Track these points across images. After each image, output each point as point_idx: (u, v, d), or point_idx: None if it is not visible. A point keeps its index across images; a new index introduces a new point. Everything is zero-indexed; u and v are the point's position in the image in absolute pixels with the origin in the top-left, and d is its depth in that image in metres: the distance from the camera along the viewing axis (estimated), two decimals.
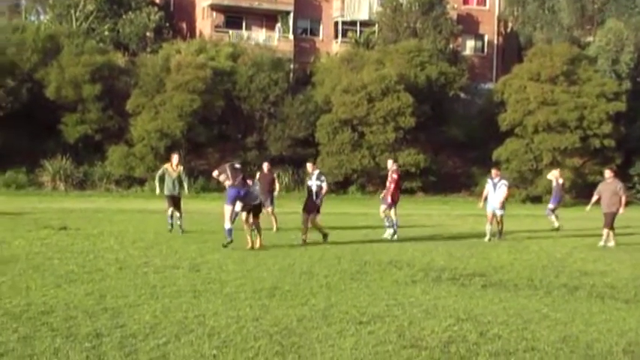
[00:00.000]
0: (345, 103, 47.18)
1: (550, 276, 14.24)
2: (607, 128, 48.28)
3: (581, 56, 52.13)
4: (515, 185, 48.12)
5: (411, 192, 48.29)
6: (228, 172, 17.51)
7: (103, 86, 46.89)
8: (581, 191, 45.82)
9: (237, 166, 17.89)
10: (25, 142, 44.67)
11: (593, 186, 48.62)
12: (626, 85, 51.47)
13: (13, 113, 45.03)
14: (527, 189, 48.84)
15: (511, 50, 63.24)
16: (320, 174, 19.77)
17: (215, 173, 18.08)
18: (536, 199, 47.97)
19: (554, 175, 28.26)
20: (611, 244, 20.61)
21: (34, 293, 11.09)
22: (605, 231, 20.97)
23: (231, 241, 17.06)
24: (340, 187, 47.87)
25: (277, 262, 15.11)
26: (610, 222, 20.86)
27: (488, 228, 21.51)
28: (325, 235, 19.07)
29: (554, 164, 47.24)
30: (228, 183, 17.48)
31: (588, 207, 22.62)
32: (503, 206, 21.75)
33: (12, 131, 43.93)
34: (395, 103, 46.82)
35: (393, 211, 21.30)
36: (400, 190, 22.67)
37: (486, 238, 21.15)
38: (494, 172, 22.20)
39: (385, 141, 47.24)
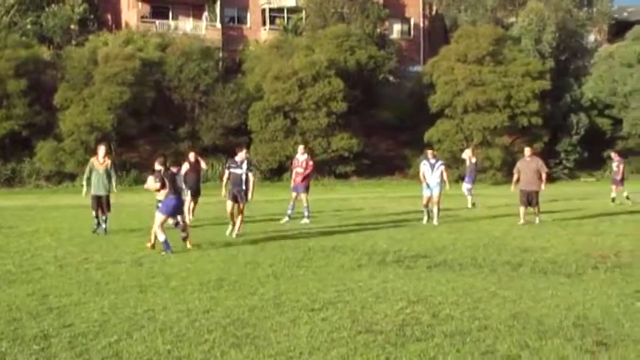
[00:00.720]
0: (277, 90, 47.06)
1: (492, 254, 14.40)
2: (534, 106, 49.09)
3: (506, 37, 52.90)
4: (448, 165, 48.69)
5: (345, 176, 48.52)
6: (166, 181, 15.79)
7: (29, 81, 45.90)
8: (511, 169, 46.47)
9: (173, 169, 16.45)
10: None
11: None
12: (550, 63, 52.39)
13: None
14: (458, 169, 49.32)
15: (437, 33, 63.84)
16: (249, 162, 18.22)
17: (150, 185, 16.24)
18: None
19: (467, 154, 28.99)
20: (537, 220, 20.46)
21: None
22: (521, 209, 20.67)
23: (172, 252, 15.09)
24: (274, 174, 47.80)
25: (220, 253, 14.98)
26: (529, 200, 20.64)
27: (425, 210, 21.29)
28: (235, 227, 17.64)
29: (484, 144, 48.06)
30: (163, 193, 15.91)
31: (512, 187, 21.94)
32: (441, 187, 21.45)
33: None
34: (326, 89, 46.87)
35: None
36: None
37: (424, 220, 21.04)
38: (430, 152, 21.99)
39: (318, 126, 47.29)
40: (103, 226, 18.96)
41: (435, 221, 20.61)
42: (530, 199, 20.71)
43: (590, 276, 11.94)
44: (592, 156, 52.19)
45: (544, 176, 21.10)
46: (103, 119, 44.81)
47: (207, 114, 48.29)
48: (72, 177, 45.49)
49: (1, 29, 48.92)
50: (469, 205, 26.86)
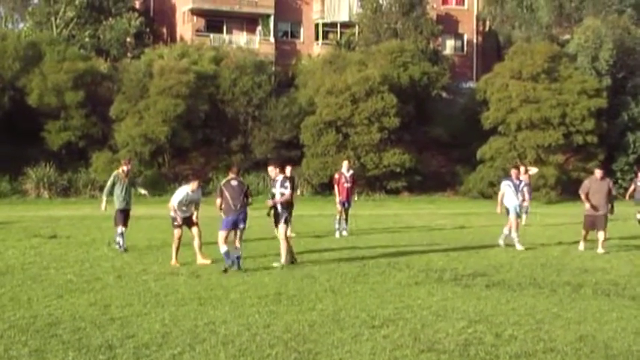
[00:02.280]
0: (329, 104, 47.09)
1: (552, 274, 14.23)
2: (589, 125, 48.42)
3: (561, 54, 52.28)
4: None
5: (396, 192, 48.31)
6: (227, 195, 15.50)
7: (86, 92, 46.54)
8: (565, 188, 46.02)
9: (234, 183, 15.73)
10: (7, 150, 44.18)
11: (578, 182, 48.90)
12: (606, 81, 51.68)
13: None
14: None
15: (490, 49, 63.40)
16: (285, 179, 16.13)
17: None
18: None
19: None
20: (601, 250, 18.37)
21: (37, 305, 10.95)
22: (584, 233, 19.09)
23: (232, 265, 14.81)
24: (326, 188, 47.73)
25: (276, 267, 15.01)
26: (595, 224, 18.82)
27: (515, 235, 19.20)
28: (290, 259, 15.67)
29: (537, 161, 47.50)
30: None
31: (587, 206, 19.50)
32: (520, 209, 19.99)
33: None
34: (379, 104, 46.76)
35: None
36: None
37: (519, 247, 18.84)
38: (514, 172, 20.97)
39: (370, 142, 47.17)
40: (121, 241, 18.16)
41: (519, 247, 18.88)
42: (597, 223, 18.83)
43: None
44: None
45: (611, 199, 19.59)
46: (157, 131, 45.26)
47: (260, 127, 48.49)
48: None
49: (61, 42, 49.70)
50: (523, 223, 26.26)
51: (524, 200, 24.40)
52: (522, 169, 28.53)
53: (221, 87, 48.65)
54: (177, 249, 15.98)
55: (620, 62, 53.81)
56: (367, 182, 46.39)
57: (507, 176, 20.67)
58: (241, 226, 15.34)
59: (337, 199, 22.51)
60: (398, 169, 47.66)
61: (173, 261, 15.75)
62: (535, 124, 47.96)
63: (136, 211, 22.57)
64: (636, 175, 28.65)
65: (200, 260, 15.89)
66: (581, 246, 18.94)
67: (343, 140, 47.76)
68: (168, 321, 9.81)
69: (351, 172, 23.24)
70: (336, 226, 21.86)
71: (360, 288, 12.49)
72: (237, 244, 15.13)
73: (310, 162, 47.34)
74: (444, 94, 55.90)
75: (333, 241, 20.54)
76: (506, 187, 19.98)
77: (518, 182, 20.23)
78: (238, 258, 14.66)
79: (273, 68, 55.36)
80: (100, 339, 8.81)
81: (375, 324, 9.60)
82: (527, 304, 11.03)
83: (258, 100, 48.51)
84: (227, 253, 14.79)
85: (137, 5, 60.93)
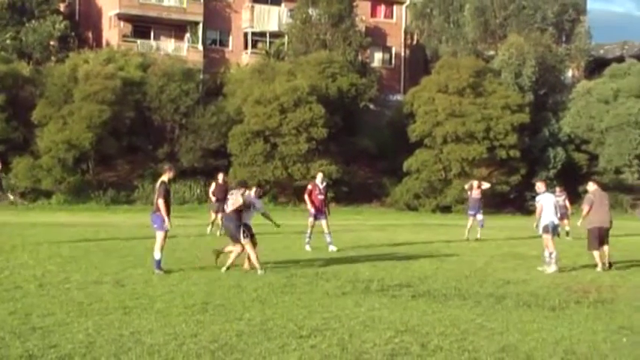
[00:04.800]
0: (257, 114, 47.04)
1: (475, 285, 14.43)
2: (512, 139, 49.39)
3: (486, 69, 53.29)
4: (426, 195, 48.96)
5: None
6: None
7: (7, 96, 45.63)
8: (488, 201, 46.68)
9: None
10: None
11: (501, 195, 49.77)
12: (529, 97, 52.88)
13: None
14: (437, 198, 49.60)
15: (418, 63, 64.25)
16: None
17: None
18: (446, 209, 48.78)
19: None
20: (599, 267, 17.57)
21: None
22: (596, 253, 17.81)
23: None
24: None
25: (203, 276, 14.88)
26: (603, 239, 17.93)
27: (555, 255, 17.44)
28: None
29: (462, 175, 48.26)
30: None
31: (580, 222, 19.40)
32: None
33: None
34: (307, 114, 46.90)
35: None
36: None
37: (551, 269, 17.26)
38: (558, 189, 19.41)
39: (297, 152, 47.27)
40: None
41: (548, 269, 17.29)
42: (605, 237, 18.04)
43: (573, 310, 11.99)
44: (568, 190, 52.32)
45: None
46: (81, 137, 44.53)
47: (187, 136, 48.16)
48: (48, 194, 45.15)
49: None
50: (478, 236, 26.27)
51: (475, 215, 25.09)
52: (475, 183, 28.78)
53: (148, 94, 48.19)
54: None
55: (542, 79, 55.19)
56: (294, 192, 46.39)
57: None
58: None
59: (310, 211, 21.63)
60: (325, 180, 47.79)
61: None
62: (460, 137, 48.72)
63: (58, 218, 22.29)
64: (556, 191, 29.01)
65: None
66: (600, 267, 17.54)
67: (271, 150, 47.76)
68: (92, 330, 9.63)
69: (325, 183, 22.45)
70: (307, 239, 21.23)
71: (288, 298, 12.47)
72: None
73: (238, 171, 47.19)
74: (372, 106, 56.42)
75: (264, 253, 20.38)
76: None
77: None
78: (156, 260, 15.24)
79: (202, 76, 55.10)
80: (21, 349, 8.59)
81: (302, 334, 9.58)
82: (452, 315, 11.16)
83: (186, 108, 48.21)
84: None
85: (62, 8, 59.82)
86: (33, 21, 54.89)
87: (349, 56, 54.47)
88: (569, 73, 62.70)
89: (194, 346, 8.84)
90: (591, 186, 18.83)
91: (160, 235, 15.46)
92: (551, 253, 17.27)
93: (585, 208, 18.26)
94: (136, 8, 57.46)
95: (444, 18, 60.80)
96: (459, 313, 11.35)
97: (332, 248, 20.70)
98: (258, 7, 60.96)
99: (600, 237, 17.86)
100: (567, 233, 27.59)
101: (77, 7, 61.68)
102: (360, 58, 57.31)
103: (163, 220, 15.44)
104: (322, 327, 10.04)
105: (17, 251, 18.93)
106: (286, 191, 48.16)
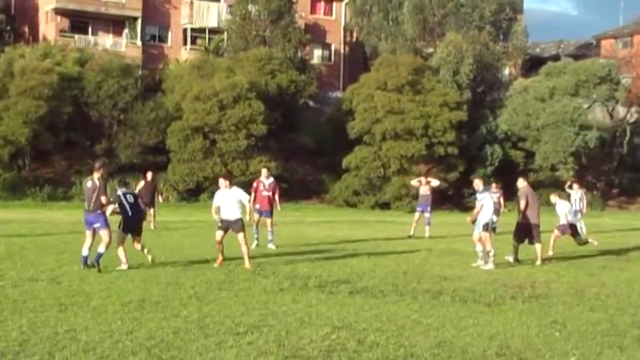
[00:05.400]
0: (196, 110, 46.76)
1: (413, 282, 14.59)
2: (450, 136, 49.85)
3: (425, 67, 53.68)
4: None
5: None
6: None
7: None
8: None
9: (89, 184, 15.66)
10: None
11: (439, 193, 50.29)
12: (467, 95, 53.41)
13: None
14: (376, 195, 49.86)
15: (357, 60, 64.51)
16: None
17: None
18: (385, 205, 49.06)
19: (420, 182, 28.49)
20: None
21: None
22: (538, 246, 18.56)
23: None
24: (192, 194, 47.41)
25: (140, 273, 14.83)
26: (530, 235, 18.60)
27: (493, 253, 17.66)
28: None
29: (400, 172, 48.62)
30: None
31: (520, 218, 19.20)
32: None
33: None
34: (246, 111, 46.76)
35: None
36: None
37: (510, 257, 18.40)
38: (494, 185, 19.87)
39: (237, 148, 47.12)
40: None
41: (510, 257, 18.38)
42: (534, 233, 18.57)
43: (509, 306, 12.21)
44: (505, 187, 53.14)
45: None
46: (17, 133, 43.77)
47: (125, 132, 47.64)
48: None
49: None
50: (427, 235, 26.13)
51: (423, 212, 25.27)
52: (423, 180, 28.83)
53: (86, 89, 47.57)
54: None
55: (480, 77, 55.83)
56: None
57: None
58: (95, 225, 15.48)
59: (255, 207, 21.47)
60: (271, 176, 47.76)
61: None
62: (399, 134, 49.03)
63: None
64: (491, 187, 29.08)
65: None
66: (512, 258, 18.56)
67: (210, 146, 47.54)
68: (26, 328, 9.53)
69: (271, 179, 22.19)
70: (255, 235, 21.10)
71: (225, 295, 12.47)
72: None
73: (176, 168, 46.90)
74: (311, 103, 56.52)
75: (194, 248, 20.33)
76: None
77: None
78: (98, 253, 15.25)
79: (140, 72, 54.60)
80: None
81: (239, 331, 9.61)
82: (389, 311, 11.29)
83: (124, 103, 47.70)
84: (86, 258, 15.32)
85: None
86: None
87: (289, 53, 54.48)
88: (507, 71, 63.53)
89: (130, 344, 8.81)
90: (521, 182, 19.32)
91: (106, 233, 15.33)
92: (489, 252, 17.52)
93: (522, 202, 18.69)
94: (74, 3, 56.62)
95: (383, 15, 61.07)
96: (396, 309, 11.49)
97: (271, 246, 20.72)
98: (197, 2, 60.59)
99: (526, 231, 18.50)
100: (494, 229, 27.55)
101: (13, 0, 60.54)
102: (299, 54, 57.34)
103: (106, 218, 15.40)
104: (259, 324, 10.09)
105: None
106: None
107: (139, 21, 58.83)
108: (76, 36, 56.40)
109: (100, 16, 58.20)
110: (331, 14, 66.14)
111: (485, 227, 17.79)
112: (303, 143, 51.44)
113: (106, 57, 50.89)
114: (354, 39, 66.08)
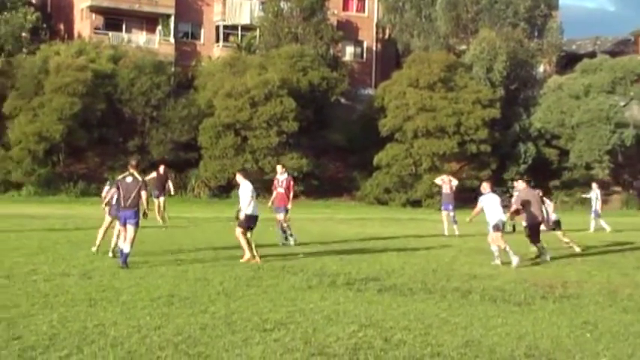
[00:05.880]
0: (228, 107, 46.96)
1: (442, 280, 14.51)
2: (483, 134, 49.64)
3: (458, 64, 53.47)
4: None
5: (294, 196, 48.47)
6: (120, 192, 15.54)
7: None
8: (458, 196, 46.88)
9: (129, 180, 15.50)
10: None
11: (471, 190, 50.05)
12: (500, 92, 53.10)
13: None
14: (407, 193, 49.75)
15: (389, 57, 64.36)
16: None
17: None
18: (416, 203, 48.93)
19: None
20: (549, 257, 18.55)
21: None
22: (539, 246, 18.74)
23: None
24: (223, 191, 47.62)
25: (170, 269, 14.88)
26: (535, 234, 18.73)
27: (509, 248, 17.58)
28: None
29: (432, 169, 48.44)
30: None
31: (511, 219, 20.03)
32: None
33: None
34: (278, 108, 46.89)
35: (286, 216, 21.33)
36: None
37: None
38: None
39: (268, 145, 47.27)
40: None
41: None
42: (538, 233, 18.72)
43: (539, 305, 12.08)
44: (538, 185, 52.71)
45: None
46: (52, 129, 44.30)
47: (158, 128, 47.98)
48: (18, 186, 44.89)
49: None
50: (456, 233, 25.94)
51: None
52: (446, 178, 28.71)
53: (119, 86, 47.99)
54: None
55: (513, 74, 55.44)
56: (264, 186, 46.31)
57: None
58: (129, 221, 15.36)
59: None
60: (295, 174, 47.75)
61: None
62: (431, 132, 48.89)
63: (28, 210, 22.14)
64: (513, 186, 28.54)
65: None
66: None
67: (242, 143, 47.73)
68: (56, 322, 9.61)
69: (286, 175, 22.09)
70: (282, 235, 21.01)
71: (254, 291, 12.49)
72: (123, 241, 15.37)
73: (208, 164, 47.14)
74: (343, 100, 56.48)
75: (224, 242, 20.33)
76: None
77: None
78: (124, 254, 15.05)
79: (173, 69, 54.93)
80: None
81: (266, 327, 9.62)
82: (417, 309, 11.24)
83: (157, 100, 48.04)
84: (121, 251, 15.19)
85: (33, 0, 59.36)
86: (5, 12, 54.35)
87: (320, 50, 54.50)
88: (541, 69, 63.06)
89: (158, 339, 8.85)
90: (520, 184, 19.80)
91: (135, 230, 15.37)
92: (504, 248, 17.50)
93: (514, 206, 19.23)
94: (108, 0, 57.13)
95: (416, 12, 60.87)
96: (423, 308, 11.43)
97: (288, 242, 20.59)
98: (230, 0, 60.80)
99: (537, 229, 18.74)
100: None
101: None
102: (331, 51, 57.34)
103: (139, 216, 15.41)
104: (286, 320, 10.09)
105: None
106: (256, 184, 47.97)
107: (172, 18, 59.18)
108: (110, 33, 56.88)
109: (133, 14, 58.66)
110: (363, 11, 66.03)
111: (496, 228, 17.77)
112: (335, 140, 51.44)
113: (139, 54, 51.28)
114: (387, 36, 65.92)
